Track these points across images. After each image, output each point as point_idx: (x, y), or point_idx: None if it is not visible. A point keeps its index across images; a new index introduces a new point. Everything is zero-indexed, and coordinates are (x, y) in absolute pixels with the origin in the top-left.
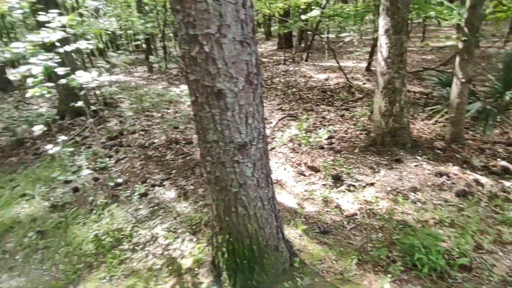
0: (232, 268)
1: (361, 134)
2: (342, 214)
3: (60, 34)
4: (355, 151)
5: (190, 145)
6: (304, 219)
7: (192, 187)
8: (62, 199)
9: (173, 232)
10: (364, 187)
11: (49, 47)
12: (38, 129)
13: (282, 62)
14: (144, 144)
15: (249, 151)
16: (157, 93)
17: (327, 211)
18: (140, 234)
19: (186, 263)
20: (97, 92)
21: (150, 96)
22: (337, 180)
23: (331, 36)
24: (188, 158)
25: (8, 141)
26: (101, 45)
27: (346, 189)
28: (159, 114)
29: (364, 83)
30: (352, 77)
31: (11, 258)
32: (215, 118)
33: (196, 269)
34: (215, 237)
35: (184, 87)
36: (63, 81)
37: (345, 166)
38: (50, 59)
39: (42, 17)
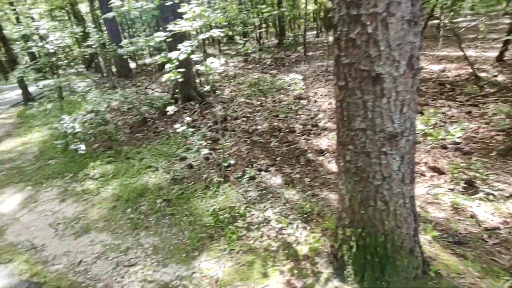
0: (360, 264)
1: (497, 134)
2: (480, 225)
3: (199, 23)
4: (491, 154)
5: (293, 134)
6: (430, 224)
7: (298, 175)
8: (181, 174)
9: (284, 217)
10: (508, 197)
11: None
12: (171, 109)
13: None
14: (247, 129)
15: (399, 142)
16: (265, 81)
17: (459, 219)
18: (253, 214)
19: (302, 250)
20: (202, 79)
21: (257, 84)
22: (470, 186)
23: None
24: (292, 146)
25: (135, 120)
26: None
27: (483, 197)
28: (259, 102)
29: (496, 75)
30: (478, 68)
31: (145, 219)
32: (367, 104)
33: (314, 258)
34: (342, 229)
35: (294, 76)
36: (198, 66)
37: (479, 171)
38: (191, 46)
39: (184, 8)
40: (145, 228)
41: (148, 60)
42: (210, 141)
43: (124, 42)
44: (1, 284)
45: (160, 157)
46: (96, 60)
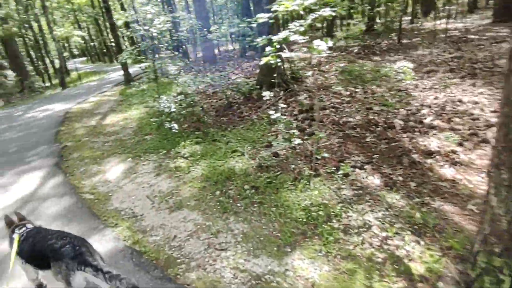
0: None
1: None
2: None
3: (311, 1)
4: None
5: (393, 130)
6: None
7: (400, 178)
8: (267, 161)
9: (389, 225)
10: None
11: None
12: (267, 94)
13: (506, 39)
14: (337, 121)
15: None
16: (354, 69)
17: None
18: (350, 216)
19: (417, 268)
20: (286, 66)
21: (345, 72)
22: None
23: None
24: (392, 144)
25: (221, 104)
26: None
27: None
28: (348, 92)
29: None
30: None
31: (234, 203)
32: None
33: (435, 281)
34: (487, 256)
35: (403, 64)
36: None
37: None
38: (302, 26)
39: None
40: (234, 213)
41: (230, 46)
42: (297, 131)
43: (214, 27)
44: (110, 245)
45: (245, 142)
46: (183, 46)
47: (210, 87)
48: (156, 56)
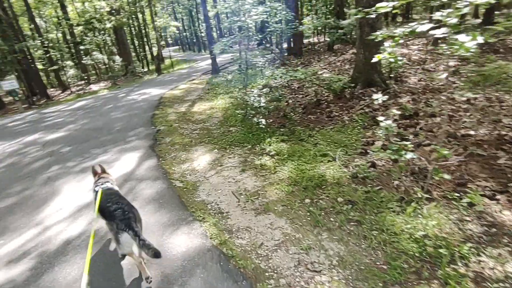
0: None
1: None
2: None
3: None
4: None
5: None
6: None
7: None
8: (364, 172)
9: None
10: None
11: None
12: (379, 97)
13: None
14: (453, 133)
15: None
16: (488, 70)
17: None
18: (482, 262)
19: None
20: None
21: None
22: None
23: None
24: None
25: (308, 100)
26: None
27: None
28: (464, 98)
29: None
30: None
31: (327, 217)
32: None
33: None
34: None
35: None
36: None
37: None
38: (456, 15)
39: None
40: (327, 230)
41: (315, 39)
42: (401, 140)
43: (307, 19)
44: (198, 242)
45: (336, 146)
46: (267, 37)
47: (296, 81)
48: (245, 47)
